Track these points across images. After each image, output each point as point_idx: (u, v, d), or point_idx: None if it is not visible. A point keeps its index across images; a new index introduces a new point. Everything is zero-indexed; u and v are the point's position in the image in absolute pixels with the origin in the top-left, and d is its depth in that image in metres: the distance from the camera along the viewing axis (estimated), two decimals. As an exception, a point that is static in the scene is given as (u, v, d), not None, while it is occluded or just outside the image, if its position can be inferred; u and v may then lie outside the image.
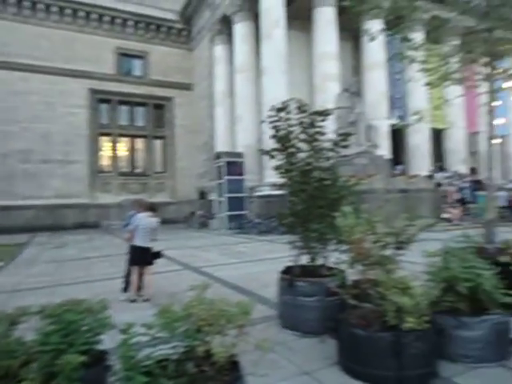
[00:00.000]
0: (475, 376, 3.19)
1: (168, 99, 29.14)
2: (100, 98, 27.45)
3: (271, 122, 4.73)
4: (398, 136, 23.35)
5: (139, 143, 29.04)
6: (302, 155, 4.64)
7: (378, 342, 3.04)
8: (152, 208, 6.64)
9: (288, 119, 4.60)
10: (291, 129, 4.60)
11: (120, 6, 27.89)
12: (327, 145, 4.47)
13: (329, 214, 4.07)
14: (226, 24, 23.91)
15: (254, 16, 21.50)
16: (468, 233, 4.94)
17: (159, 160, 29.41)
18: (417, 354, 2.97)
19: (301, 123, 4.58)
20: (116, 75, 27.77)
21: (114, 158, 27.88)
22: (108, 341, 2.79)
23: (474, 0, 5.81)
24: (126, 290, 6.32)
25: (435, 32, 13.83)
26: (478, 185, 19.12)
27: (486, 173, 5.60)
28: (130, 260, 6.34)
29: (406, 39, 5.42)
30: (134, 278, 6.13)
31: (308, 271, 4.44)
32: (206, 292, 2.74)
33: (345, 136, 4.55)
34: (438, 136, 25.22)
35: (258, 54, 21.11)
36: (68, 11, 26.65)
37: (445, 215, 16.94)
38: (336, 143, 4.47)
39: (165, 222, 21.02)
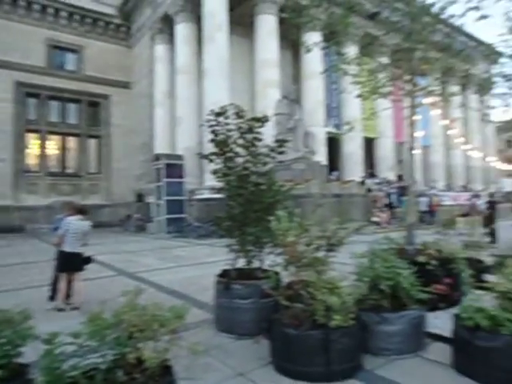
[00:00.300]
0: (394, 367, 3.47)
1: (104, 97, 27.83)
2: (27, 92, 25.42)
3: (210, 126, 4.76)
4: (333, 143, 24.52)
5: (71, 142, 27.34)
6: (239, 160, 4.72)
7: (308, 340, 3.19)
8: (82, 211, 6.31)
9: (227, 124, 4.66)
10: (230, 134, 4.67)
11: (52, -4, 26.18)
12: (264, 150, 4.60)
13: (264, 217, 4.18)
14: (167, 23, 23.48)
15: (197, 18, 21.38)
16: (391, 235, 5.36)
17: (93, 160, 27.91)
18: (343, 349, 3.17)
19: (239, 128, 4.66)
20: (46, 68, 25.94)
21: (43, 156, 25.93)
22: (30, 353, 2.62)
23: (402, 21, 6.30)
24: (52, 298, 5.94)
25: (367, 47, 14.77)
26: (403, 190, 20.68)
27: (410, 178, 6.11)
28: (58, 266, 5.98)
29: (339, 53, 5.76)
30: (62, 285, 5.78)
31: (244, 274, 4.51)
32: (139, 297, 2.68)
33: (281, 142, 4.71)
34: (369, 144, 26.94)
35: (200, 56, 20.99)
36: (-9, -4, 24.46)
37: (374, 219, 18.09)
38: (273, 149, 4.62)
39: (99, 225, 20.06)
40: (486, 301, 3.40)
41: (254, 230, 4.27)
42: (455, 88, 23.71)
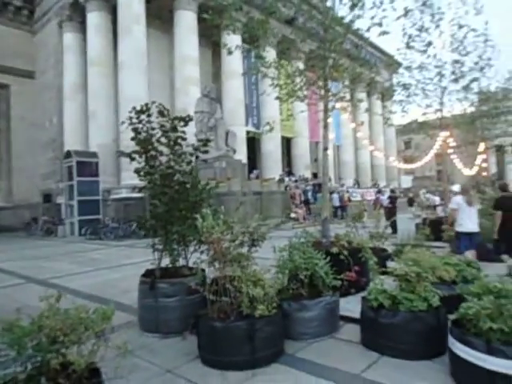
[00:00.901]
0: (312, 349, 3.79)
1: (3, 86, 24.96)
2: None
3: (131, 124, 4.66)
4: (253, 142, 25.16)
5: (-38, 136, 24.09)
6: (162, 159, 4.70)
7: (234, 331, 3.35)
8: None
9: (149, 122, 4.60)
10: (152, 132, 4.62)
11: None
12: (188, 149, 4.64)
13: (189, 216, 4.23)
14: (77, 11, 21.86)
15: (111, 8, 20.29)
16: (308, 229, 5.78)
17: (-10, 157, 24.92)
18: (266, 337, 3.38)
19: (162, 127, 4.64)
20: None
21: None
22: None
23: (316, 28, 6.74)
24: None
25: (284, 51, 15.45)
26: (318, 188, 22.07)
27: (324, 177, 6.62)
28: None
29: (259, 57, 6.02)
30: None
31: (169, 273, 4.52)
32: (59, 302, 2.58)
33: (205, 142, 4.79)
34: (287, 144, 28.18)
35: (115, 47, 19.98)
36: None
37: (292, 215, 19.03)
38: (197, 148, 4.68)
39: (-1, 229, 18.00)
40: (389, 284, 3.89)
41: (178, 229, 4.29)
42: (362, 95, 25.87)
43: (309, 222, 17.49)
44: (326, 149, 6.17)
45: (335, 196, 21.57)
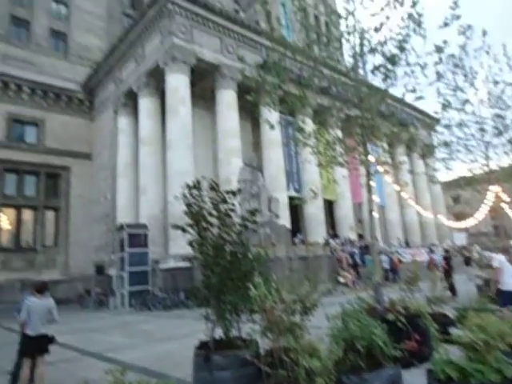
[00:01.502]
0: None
1: (64, 168, 27.58)
2: (-17, 165, 24.80)
3: (184, 197, 5.00)
4: (296, 206, 25.34)
5: (27, 214, 26.33)
6: (213, 230, 4.93)
7: (294, 407, 3.22)
8: (43, 287, 6.08)
9: (200, 196, 4.92)
10: (203, 205, 4.92)
11: (15, 72, 26.74)
12: (238, 220, 4.86)
13: (242, 285, 4.32)
14: (131, 97, 24.46)
15: (160, 92, 22.53)
16: (360, 295, 5.61)
17: (50, 233, 26.79)
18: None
19: (212, 199, 4.94)
20: (5, 141, 25.66)
21: (-5, 231, 24.64)
22: None
23: (351, 95, 7.09)
24: (13, 387, 5.48)
25: (321, 117, 16.13)
26: (365, 250, 21.41)
27: (372, 239, 6.53)
28: (20, 351, 5.60)
29: (299, 129, 6.39)
30: (25, 371, 5.38)
31: (223, 344, 4.50)
32: (124, 376, 2.67)
33: (253, 211, 5.01)
34: (330, 206, 28.09)
35: (163, 127, 21.79)
36: (-49, 73, 24.58)
37: (341, 279, 18.37)
38: (246, 218, 4.89)
39: (55, 302, 18.77)
40: (454, 353, 3.63)
41: (231, 298, 4.36)
42: (403, 158, 25.83)
43: (359, 286, 16.76)
44: (371, 211, 6.18)
45: (384, 258, 20.72)
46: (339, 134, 6.83)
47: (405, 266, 20.44)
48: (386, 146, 7.83)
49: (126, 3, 45.44)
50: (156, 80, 22.43)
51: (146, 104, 22.85)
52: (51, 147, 27.05)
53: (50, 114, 27.76)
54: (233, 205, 4.77)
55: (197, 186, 4.89)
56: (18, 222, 25.84)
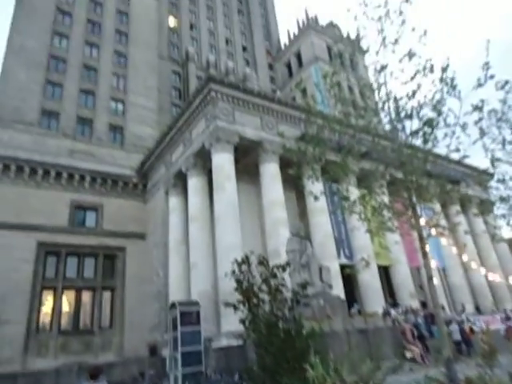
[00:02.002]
0: None
1: (120, 249, 28.94)
2: (49, 251, 26.67)
3: (233, 274, 5.04)
4: (349, 274, 24.25)
5: (86, 296, 27.34)
6: (264, 306, 4.84)
7: None
8: (95, 374, 6.09)
9: (250, 272, 4.94)
10: (253, 281, 4.91)
11: (79, 164, 29.73)
12: (289, 295, 4.76)
13: (298, 366, 4.09)
14: (180, 178, 26.03)
15: (207, 170, 23.83)
16: (431, 373, 5.06)
17: (107, 314, 27.38)
18: None
19: (262, 274, 4.93)
20: (68, 227, 27.74)
21: (56, 314, 25.59)
22: None
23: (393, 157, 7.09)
24: None
25: (366, 182, 15.98)
26: (431, 319, 19.57)
27: (435, 308, 6.04)
28: None
29: (343, 198, 6.41)
30: None
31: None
32: None
33: (304, 284, 4.91)
34: (385, 271, 26.57)
35: (211, 203, 22.66)
36: (26, 169, 27.74)
37: (407, 354, 16.68)
38: (297, 293, 4.79)
39: (110, 387, 18.49)
40: None
41: (288, 382, 4.11)
42: (458, 217, 24.48)
43: (428, 361, 15.09)
44: (430, 278, 5.80)
45: (454, 328, 18.75)
46: (385, 199, 6.70)
47: (479, 336, 18.35)
48: (438, 206, 7.57)
49: (175, 95, 50.54)
50: (202, 160, 23.90)
51: (194, 183, 24.13)
52: (108, 229, 28.78)
53: (107, 199, 30.00)
54: (283, 279, 4.72)
55: (245, 261, 4.94)
56: (77, 304, 26.79)
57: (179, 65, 53.46)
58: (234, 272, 4.78)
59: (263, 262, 4.70)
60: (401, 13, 6.42)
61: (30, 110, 32.85)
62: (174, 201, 26.57)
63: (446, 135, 5.92)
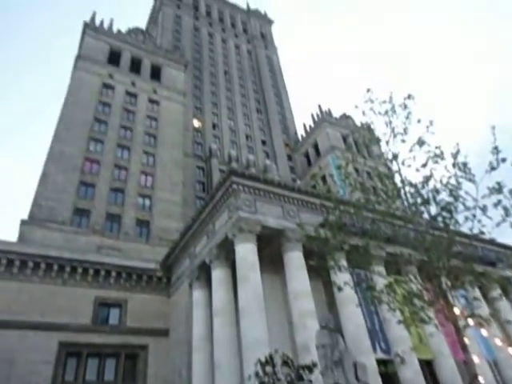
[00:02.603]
0: None
1: (143, 347, 27.77)
2: (70, 352, 25.83)
3: (257, 377, 4.70)
4: (386, 369, 22.01)
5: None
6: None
7: None
8: None
9: (275, 373, 4.62)
10: (278, 383, 4.55)
11: (105, 260, 30.19)
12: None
13: None
14: (204, 270, 25.83)
15: (231, 262, 23.65)
16: None
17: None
18: None
19: (287, 376, 4.58)
20: (91, 326, 27.18)
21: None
22: None
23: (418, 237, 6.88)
24: None
25: (393, 267, 15.44)
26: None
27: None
28: None
29: (369, 287, 6.17)
30: None
31: None
32: None
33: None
34: (428, 366, 23.93)
35: (235, 296, 22.02)
36: (55, 267, 28.30)
37: None
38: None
39: None
40: None
41: None
42: (500, 302, 22.75)
43: None
44: (474, 376, 5.20)
45: None
46: (415, 286, 6.38)
47: None
48: (476, 292, 7.12)
49: (199, 188, 52.85)
50: (226, 251, 23.91)
51: (218, 274, 23.83)
52: (131, 326, 28.00)
53: (131, 294, 29.73)
54: (310, 382, 4.36)
55: (269, 361, 4.64)
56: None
57: (203, 160, 56.86)
58: (257, 374, 4.47)
59: (288, 362, 4.41)
60: (405, 107, 6.86)
61: (64, 210, 34.80)
62: (198, 294, 26.03)
63: (466, 219, 5.84)
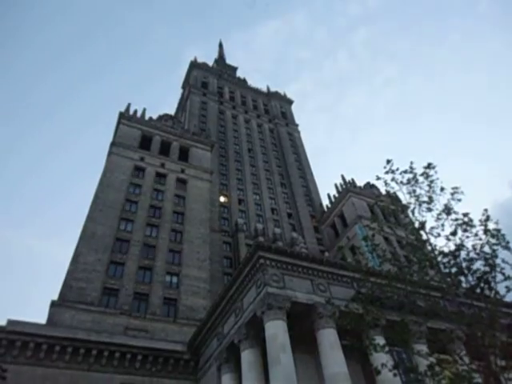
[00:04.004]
0: None
1: None
2: None
3: None
4: None
5: None
6: None
7: None
8: None
9: None
10: None
11: (132, 342, 29.26)
12: None
13: None
14: (233, 351, 24.48)
15: (261, 341, 22.40)
16: None
17: None
18: None
19: None
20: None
21: None
22: None
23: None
24: None
25: (438, 344, 14.15)
26: None
27: None
28: None
29: (410, 369, 5.65)
30: None
31: None
32: None
33: None
34: None
35: (266, 380, 20.49)
36: (82, 351, 27.60)
37: None
38: None
39: None
40: None
41: None
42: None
43: None
44: None
45: None
46: (460, 368, 5.75)
47: None
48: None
49: (226, 264, 52.38)
50: (255, 330, 22.82)
51: (248, 356, 22.49)
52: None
53: (157, 380, 28.24)
54: None
55: None
56: None
57: (229, 235, 57.13)
58: None
59: None
60: (427, 176, 6.86)
61: (93, 290, 34.92)
62: (227, 378, 24.41)
63: (508, 289, 5.44)
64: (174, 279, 39.85)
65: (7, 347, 25.89)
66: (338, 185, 72.87)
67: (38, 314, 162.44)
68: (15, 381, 24.49)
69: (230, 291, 25.73)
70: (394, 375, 7.81)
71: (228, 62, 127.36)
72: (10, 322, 26.63)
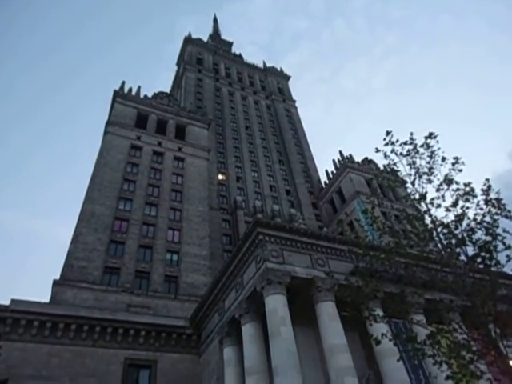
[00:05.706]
0: None
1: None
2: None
3: None
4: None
5: None
6: None
7: None
8: None
9: None
10: None
11: (135, 318, 29.76)
12: None
13: None
14: (234, 326, 24.95)
15: (261, 316, 22.80)
16: None
17: None
18: None
19: None
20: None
21: None
22: None
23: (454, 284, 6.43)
24: None
25: (434, 315, 14.38)
26: None
27: None
28: None
29: (409, 339, 5.71)
30: None
31: None
32: None
33: None
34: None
35: (267, 352, 20.96)
36: (85, 327, 28.05)
37: None
38: None
39: None
40: None
41: None
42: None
43: None
44: None
45: None
46: (460, 336, 5.83)
47: None
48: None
49: (225, 241, 52.78)
50: (255, 305, 23.17)
51: (248, 330, 22.92)
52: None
53: (161, 354, 28.86)
54: None
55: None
56: None
57: (228, 213, 57.31)
58: None
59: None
60: (428, 146, 6.74)
61: (94, 269, 35.25)
62: (229, 351, 24.95)
63: (509, 258, 5.42)
64: (175, 257, 40.19)
65: (12, 326, 26.29)
66: (336, 161, 72.65)
67: (41, 293, 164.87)
68: (22, 358, 25.03)
69: (231, 267, 25.98)
70: (395, 345, 7.99)
71: (223, 35, 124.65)
72: (14, 302, 26.94)
